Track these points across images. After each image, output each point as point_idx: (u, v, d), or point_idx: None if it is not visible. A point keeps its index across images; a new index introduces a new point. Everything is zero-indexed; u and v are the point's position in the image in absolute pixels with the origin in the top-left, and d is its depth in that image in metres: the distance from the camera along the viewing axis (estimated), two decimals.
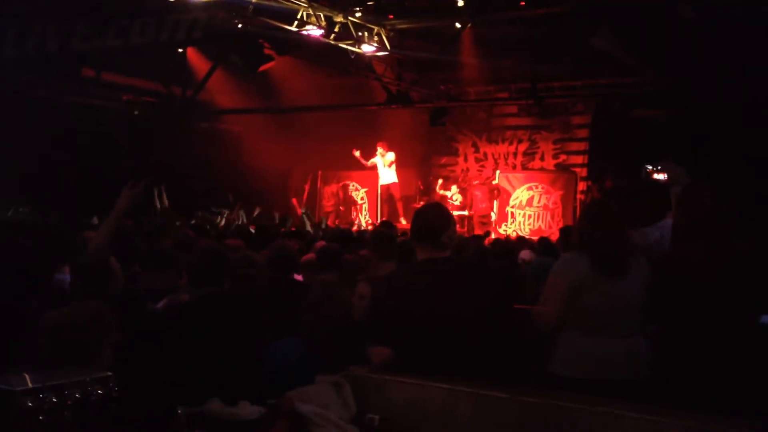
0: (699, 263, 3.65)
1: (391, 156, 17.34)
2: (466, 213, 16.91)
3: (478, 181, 18.09)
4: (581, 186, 16.79)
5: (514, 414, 2.83)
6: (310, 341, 3.74)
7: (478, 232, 15.23)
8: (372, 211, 18.47)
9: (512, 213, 16.93)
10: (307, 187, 19.24)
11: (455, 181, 18.18)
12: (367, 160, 17.54)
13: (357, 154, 17.52)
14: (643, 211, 5.40)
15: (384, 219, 15.70)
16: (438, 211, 3.85)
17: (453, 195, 17.22)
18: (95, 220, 12.37)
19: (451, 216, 3.80)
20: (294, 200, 18.91)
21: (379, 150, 17.34)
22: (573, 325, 3.84)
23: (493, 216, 16.97)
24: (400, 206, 17.47)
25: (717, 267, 3.62)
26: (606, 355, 3.73)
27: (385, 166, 17.37)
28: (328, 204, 19.40)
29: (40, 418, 2.18)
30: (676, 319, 3.71)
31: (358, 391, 3.08)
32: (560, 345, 3.86)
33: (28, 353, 3.12)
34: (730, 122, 11.49)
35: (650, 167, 6.36)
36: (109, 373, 2.44)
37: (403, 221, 16.06)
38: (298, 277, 5.80)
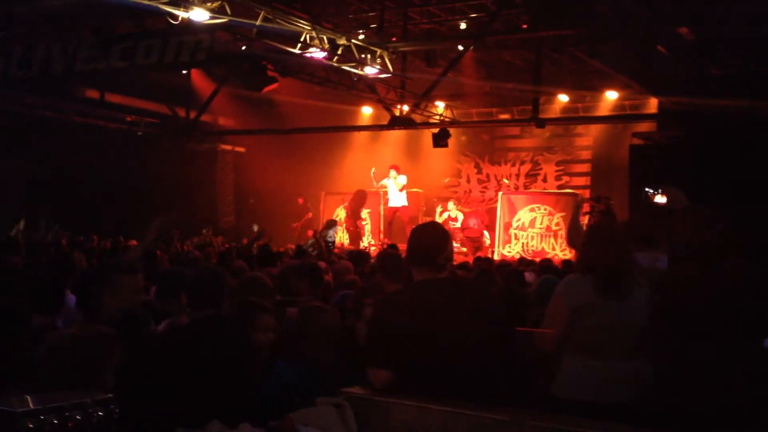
0: (693, 286, 3.64)
1: (403, 180, 17.26)
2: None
3: (468, 209, 17.91)
4: (584, 208, 16.78)
5: None
6: (308, 365, 3.72)
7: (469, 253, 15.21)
8: (375, 233, 18.43)
9: (515, 234, 16.91)
10: (310, 208, 19.21)
11: (456, 202, 18.09)
12: (379, 180, 17.44)
13: (372, 172, 17.40)
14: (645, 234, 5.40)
15: (387, 241, 15.71)
16: (434, 231, 3.69)
17: (451, 212, 17.16)
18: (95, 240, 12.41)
19: (448, 236, 3.66)
20: (295, 225, 18.84)
21: (392, 173, 17.27)
22: (575, 347, 3.83)
23: (487, 240, 16.84)
24: (408, 229, 17.40)
25: (711, 290, 3.61)
26: (608, 377, 3.72)
27: (397, 189, 17.32)
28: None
29: None
30: (670, 342, 3.69)
31: (359, 414, 3.07)
32: (562, 368, 3.85)
33: (30, 372, 3.13)
34: (733, 144, 11.51)
35: (650, 190, 6.37)
36: (110, 395, 2.44)
37: None
38: None
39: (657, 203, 6.89)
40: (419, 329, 3.34)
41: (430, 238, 3.58)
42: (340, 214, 19.44)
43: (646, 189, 6.73)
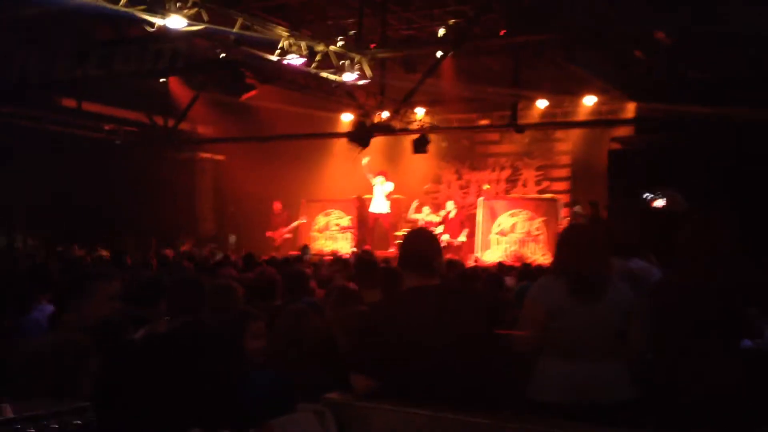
0: (687, 289, 3.68)
1: (389, 187, 17.30)
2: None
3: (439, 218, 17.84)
4: (564, 212, 16.87)
5: None
6: (283, 370, 3.68)
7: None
8: (356, 239, 18.39)
9: (497, 240, 16.96)
10: (288, 216, 19.13)
11: (435, 209, 18.08)
12: (368, 173, 17.42)
13: (365, 161, 17.39)
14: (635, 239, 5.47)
15: (367, 247, 15.69)
16: (428, 237, 3.73)
17: (426, 217, 17.19)
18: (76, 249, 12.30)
19: (439, 242, 3.71)
20: (269, 233, 18.74)
21: (380, 179, 17.32)
22: (549, 350, 3.85)
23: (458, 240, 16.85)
24: (390, 235, 17.39)
25: (706, 293, 3.65)
26: (582, 379, 3.72)
27: (383, 196, 17.35)
28: (307, 233, 19.30)
29: None
30: (663, 344, 3.72)
31: (340, 419, 3.05)
32: (538, 370, 3.86)
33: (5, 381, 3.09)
34: (711, 148, 11.60)
35: (650, 195, 6.42)
36: (87, 404, 2.42)
37: (392, 250, 15.98)
38: None
39: (656, 207, 6.95)
40: (412, 338, 3.32)
41: (426, 243, 3.58)
42: (320, 221, 19.40)
43: (646, 194, 6.78)
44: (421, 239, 3.67)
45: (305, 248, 14.76)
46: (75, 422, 2.33)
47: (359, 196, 17.90)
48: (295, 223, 18.85)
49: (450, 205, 17.47)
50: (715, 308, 3.63)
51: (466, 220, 17.46)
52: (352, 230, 18.30)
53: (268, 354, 3.65)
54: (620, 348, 3.78)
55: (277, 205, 18.80)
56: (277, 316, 4.00)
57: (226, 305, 4.42)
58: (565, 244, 4.07)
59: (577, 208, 15.24)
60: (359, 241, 17.39)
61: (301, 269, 6.57)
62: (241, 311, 4.02)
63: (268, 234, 18.57)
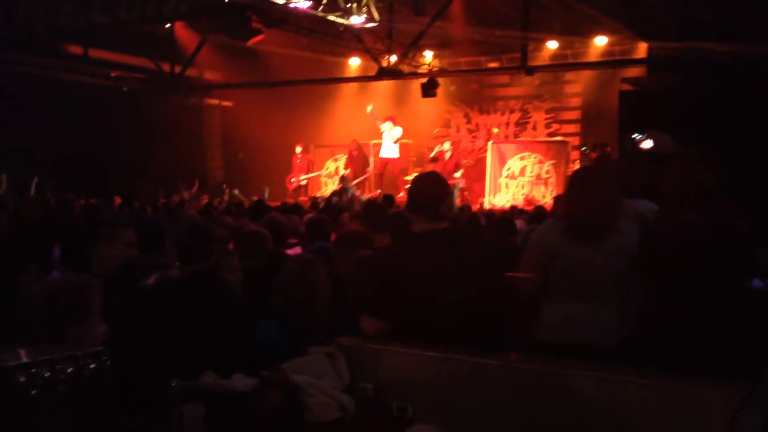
0: (683, 228, 3.66)
1: (398, 132, 17.22)
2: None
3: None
4: (574, 155, 16.79)
5: (506, 380, 2.85)
6: (286, 320, 3.69)
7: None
8: (367, 184, 18.38)
9: (506, 184, 16.92)
10: (308, 161, 19.09)
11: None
12: (376, 120, 17.42)
13: (369, 109, 17.35)
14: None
15: (380, 191, 15.78)
16: (436, 180, 3.70)
17: (447, 150, 17.20)
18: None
19: (448, 185, 3.70)
20: (288, 179, 18.78)
21: (388, 124, 17.23)
22: (553, 291, 3.88)
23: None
24: (400, 181, 17.38)
25: (700, 232, 3.62)
26: (581, 321, 3.74)
27: (391, 141, 17.29)
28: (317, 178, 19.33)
29: (33, 392, 2.19)
30: (661, 284, 3.72)
31: (351, 361, 3.09)
32: (544, 311, 3.89)
33: (22, 331, 3.14)
34: (723, 88, 11.46)
35: (638, 136, 6.37)
36: (101, 348, 2.46)
37: (402, 195, 16.00)
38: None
39: (644, 149, 6.89)
40: (419, 281, 3.35)
41: (433, 187, 3.58)
42: (330, 166, 19.39)
43: (633, 135, 6.72)
44: (427, 183, 3.65)
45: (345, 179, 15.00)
46: (90, 366, 2.36)
47: (355, 140, 17.88)
48: (314, 173, 18.89)
49: (447, 145, 17.41)
50: (705, 247, 3.60)
51: (461, 161, 17.42)
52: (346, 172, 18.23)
53: (275, 302, 3.68)
54: (622, 291, 3.77)
55: (299, 148, 18.77)
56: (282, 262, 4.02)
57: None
58: (571, 186, 4.06)
59: (585, 150, 15.14)
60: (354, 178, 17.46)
61: (323, 216, 6.60)
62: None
63: (290, 177, 18.66)
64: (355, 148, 17.98)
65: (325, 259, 4.11)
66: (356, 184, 16.57)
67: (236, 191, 17.13)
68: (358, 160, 17.98)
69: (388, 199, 11.47)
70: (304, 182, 18.71)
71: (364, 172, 17.85)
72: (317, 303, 3.66)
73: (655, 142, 4.78)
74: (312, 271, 3.71)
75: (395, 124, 17.22)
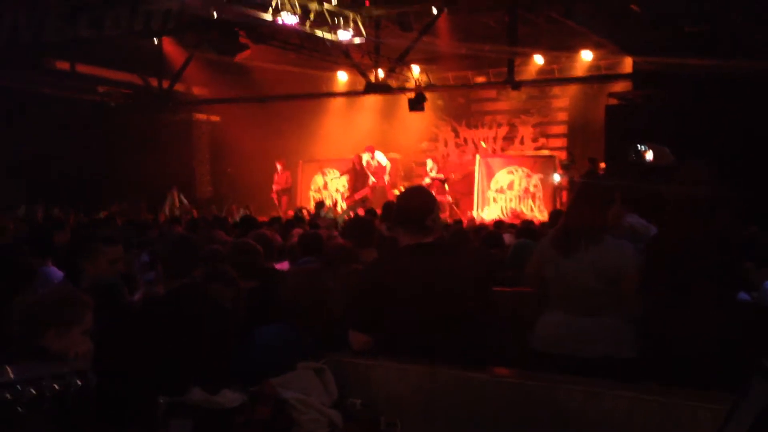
0: (683, 240, 3.70)
1: (380, 156, 17.54)
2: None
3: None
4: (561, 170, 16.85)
5: (494, 394, 2.85)
6: (291, 328, 3.73)
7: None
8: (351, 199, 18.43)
9: (494, 198, 16.97)
10: (287, 176, 19.14)
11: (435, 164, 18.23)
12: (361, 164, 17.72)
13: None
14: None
15: (364, 197, 15.93)
16: (421, 194, 3.71)
17: (430, 168, 17.37)
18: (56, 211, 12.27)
19: (435, 199, 3.67)
20: (273, 194, 18.80)
21: (367, 154, 17.61)
22: (548, 302, 3.96)
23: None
24: (389, 194, 17.44)
25: (700, 244, 3.66)
26: (568, 332, 3.80)
27: (380, 165, 17.64)
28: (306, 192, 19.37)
29: (19, 410, 2.17)
30: (659, 295, 3.75)
31: (339, 377, 3.08)
32: (538, 321, 3.97)
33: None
34: (708, 102, 11.54)
35: (642, 147, 6.41)
36: (88, 365, 2.44)
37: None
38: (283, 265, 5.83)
39: (647, 160, 6.95)
40: (406, 295, 3.36)
41: (418, 200, 3.58)
42: (318, 181, 19.41)
43: (638, 146, 6.76)
44: (412, 197, 3.67)
45: (319, 205, 15.04)
46: (76, 383, 2.35)
47: (358, 155, 18.03)
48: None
49: (429, 163, 17.62)
50: (704, 259, 3.64)
51: (446, 178, 17.63)
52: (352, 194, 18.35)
53: (264, 317, 3.68)
54: (609, 303, 3.80)
55: (279, 165, 18.83)
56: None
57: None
58: (569, 199, 4.20)
59: (565, 163, 15.32)
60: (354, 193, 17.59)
61: (316, 232, 6.62)
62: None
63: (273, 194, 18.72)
64: (358, 161, 18.10)
65: None
66: (360, 200, 16.66)
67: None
68: (360, 174, 18.08)
69: (371, 212, 11.49)
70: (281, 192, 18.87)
71: (365, 185, 17.94)
72: (306, 315, 3.67)
73: (654, 154, 4.83)
74: (319, 282, 3.76)
75: (373, 151, 17.55)
